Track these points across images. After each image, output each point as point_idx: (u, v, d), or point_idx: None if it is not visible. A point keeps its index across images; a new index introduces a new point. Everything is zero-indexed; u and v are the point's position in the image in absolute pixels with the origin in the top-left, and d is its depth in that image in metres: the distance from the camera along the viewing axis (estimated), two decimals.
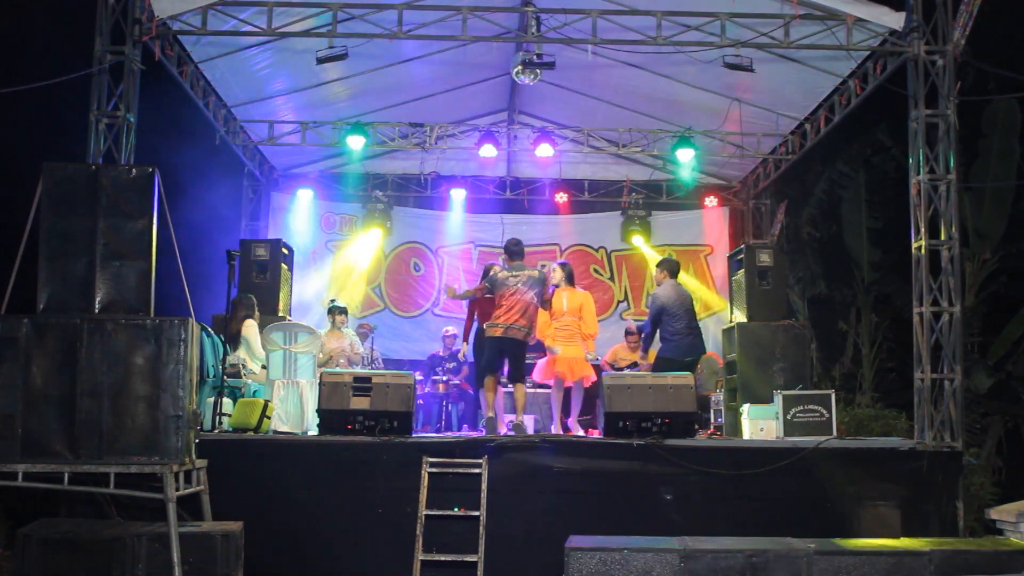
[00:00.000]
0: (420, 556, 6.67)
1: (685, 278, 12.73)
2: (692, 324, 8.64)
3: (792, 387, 8.28)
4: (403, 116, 11.43)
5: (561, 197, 12.78)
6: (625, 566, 5.75)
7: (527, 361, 10.00)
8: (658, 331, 8.71)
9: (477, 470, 6.91)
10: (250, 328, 8.47)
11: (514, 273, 8.06)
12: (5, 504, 7.48)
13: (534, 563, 6.72)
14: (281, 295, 9.89)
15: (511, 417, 8.49)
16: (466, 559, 6.64)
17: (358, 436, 7.20)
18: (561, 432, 8.23)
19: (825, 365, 13.06)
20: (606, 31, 8.43)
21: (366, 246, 12.65)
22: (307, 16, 8.28)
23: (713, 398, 9.87)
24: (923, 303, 7.79)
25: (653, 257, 12.84)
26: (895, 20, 7.97)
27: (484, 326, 8.27)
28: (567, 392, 8.53)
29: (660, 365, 8.46)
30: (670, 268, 8.83)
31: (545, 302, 8.16)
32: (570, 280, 8.52)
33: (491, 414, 7.87)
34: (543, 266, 12.75)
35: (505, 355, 8.04)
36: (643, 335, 9.07)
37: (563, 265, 8.65)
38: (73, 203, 5.93)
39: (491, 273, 8.26)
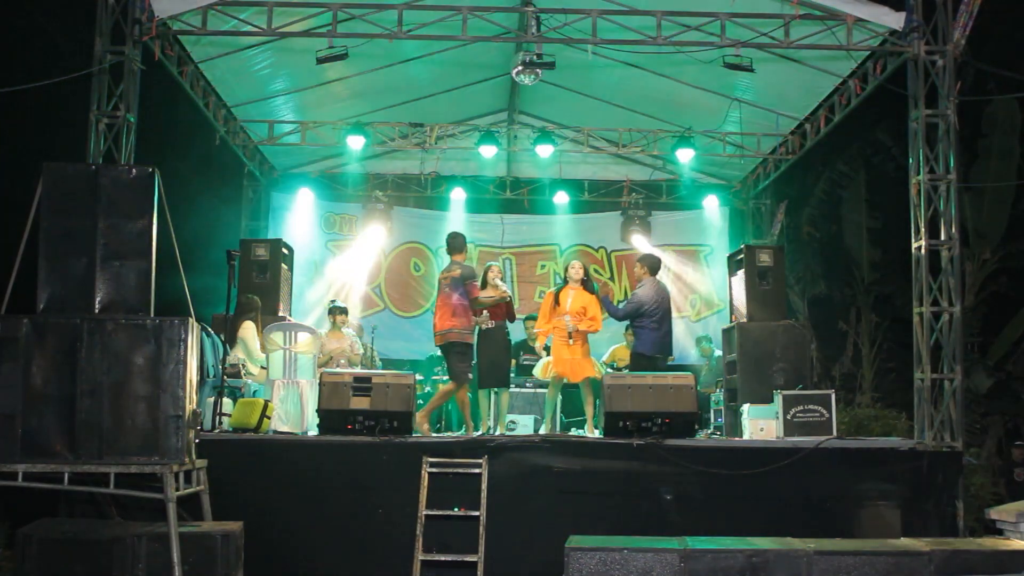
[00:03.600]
0: (420, 556, 6.67)
1: (686, 277, 12.81)
2: (667, 323, 8.62)
3: (792, 387, 8.28)
4: (403, 116, 11.42)
5: (561, 197, 12.78)
6: (625, 566, 5.75)
7: (530, 363, 10.06)
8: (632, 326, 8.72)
9: (477, 470, 6.91)
10: (247, 330, 8.47)
11: (443, 274, 8.20)
12: (5, 504, 7.48)
13: (534, 563, 6.71)
14: (281, 295, 9.89)
15: (511, 417, 8.50)
16: (466, 559, 6.65)
17: (358, 436, 7.20)
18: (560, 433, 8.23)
19: (825, 365, 13.08)
20: (606, 31, 8.42)
21: (366, 246, 12.65)
22: (307, 16, 8.28)
23: (713, 398, 9.88)
24: (923, 303, 7.79)
25: None
26: (895, 20, 7.96)
27: (481, 328, 8.26)
28: (576, 397, 8.53)
29: (636, 361, 8.44)
30: (651, 265, 8.79)
31: (474, 300, 8.10)
32: (584, 282, 8.52)
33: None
34: (543, 266, 12.84)
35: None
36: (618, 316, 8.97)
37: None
38: (73, 203, 5.93)
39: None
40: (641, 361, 8.41)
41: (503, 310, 8.29)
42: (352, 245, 12.66)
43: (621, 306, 8.65)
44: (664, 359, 8.61)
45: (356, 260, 12.61)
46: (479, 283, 8.21)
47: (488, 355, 8.23)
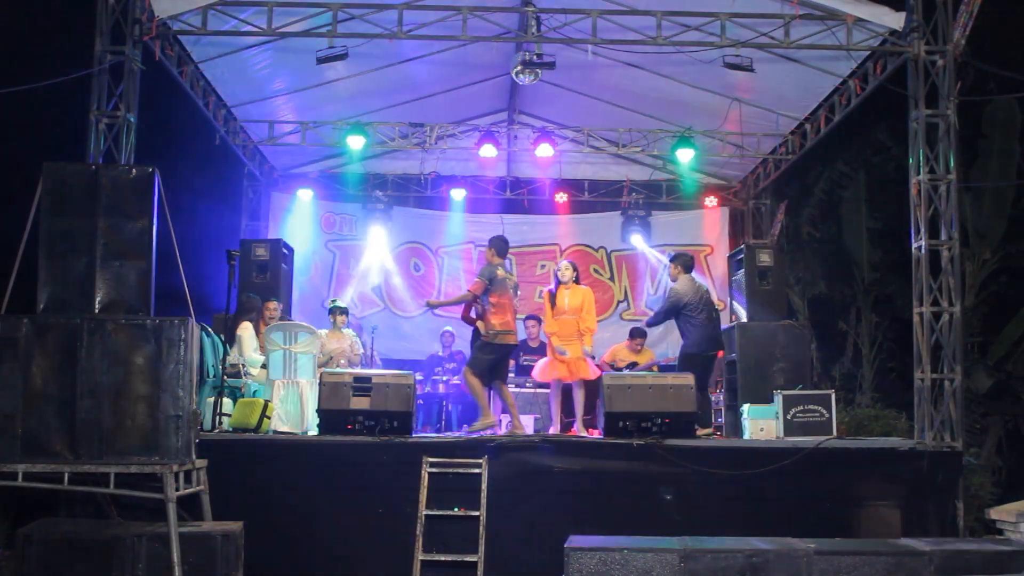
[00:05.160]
0: (420, 556, 6.67)
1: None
2: (712, 315, 8.62)
3: (792, 387, 8.28)
4: (403, 116, 11.43)
5: (561, 197, 12.78)
6: (625, 566, 5.75)
7: (529, 363, 10.07)
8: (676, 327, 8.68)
9: (477, 470, 6.91)
10: (244, 331, 8.47)
11: (510, 275, 8.12)
12: (5, 504, 7.48)
13: (534, 563, 6.72)
14: (281, 295, 9.88)
15: (508, 418, 8.49)
16: (466, 559, 6.65)
17: (358, 436, 7.20)
18: (560, 433, 8.23)
19: (825, 365, 13.07)
20: (606, 31, 8.43)
21: (367, 246, 12.66)
22: (307, 16, 8.28)
23: (713, 398, 9.88)
24: (923, 303, 7.79)
25: (653, 257, 12.83)
26: (895, 20, 7.96)
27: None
28: (568, 394, 8.52)
29: (684, 362, 8.41)
30: (684, 263, 8.76)
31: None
32: (577, 279, 8.56)
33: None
34: (543, 266, 12.86)
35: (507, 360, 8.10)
36: (649, 322, 8.91)
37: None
38: (73, 203, 5.94)
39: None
40: (694, 360, 8.37)
41: None
42: (352, 245, 12.68)
43: (657, 308, 8.67)
44: (714, 354, 8.64)
45: (356, 260, 12.62)
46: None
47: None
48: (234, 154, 11.35)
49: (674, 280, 8.76)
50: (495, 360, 7.94)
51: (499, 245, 8.22)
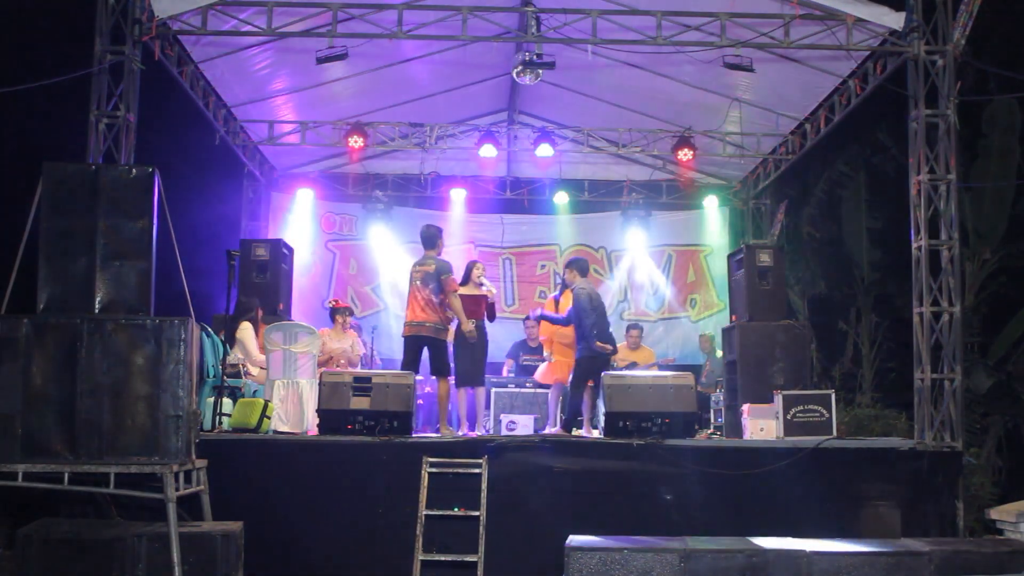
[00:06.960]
0: (420, 556, 6.67)
1: (686, 277, 12.82)
2: (605, 318, 8.47)
3: (792, 387, 8.28)
4: (403, 116, 11.43)
5: (561, 197, 12.78)
6: (625, 566, 5.75)
7: (529, 363, 10.06)
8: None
9: (477, 470, 6.91)
10: (244, 331, 8.46)
11: (416, 268, 8.05)
12: (5, 504, 7.48)
13: (534, 563, 6.72)
14: (281, 295, 9.88)
15: (510, 417, 8.49)
16: (466, 559, 6.65)
17: (358, 436, 7.20)
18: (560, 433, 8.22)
19: (825, 365, 13.07)
20: (606, 31, 8.43)
21: (367, 246, 12.66)
22: (307, 16, 8.28)
23: (713, 398, 9.88)
24: (923, 303, 7.79)
25: (651, 256, 12.82)
26: (895, 20, 7.96)
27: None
28: (577, 397, 8.51)
29: (587, 363, 8.16)
30: (579, 268, 8.57)
31: (452, 293, 7.95)
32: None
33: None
34: (543, 266, 12.86)
35: (420, 352, 8.05)
36: (564, 321, 8.74)
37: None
38: (73, 203, 5.94)
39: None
40: (597, 361, 8.16)
41: (483, 308, 8.23)
42: (352, 245, 12.68)
43: (567, 313, 8.52)
44: (611, 354, 8.56)
45: (356, 260, 12.63)
46: (459, 279, 8.23)
47: (465, 354, 8.19)
48: (234, 154, 11.34)
49: (571, 284, 8.57)
50: (404, 356, 8.01)
51: (422, 232, 8.23)
